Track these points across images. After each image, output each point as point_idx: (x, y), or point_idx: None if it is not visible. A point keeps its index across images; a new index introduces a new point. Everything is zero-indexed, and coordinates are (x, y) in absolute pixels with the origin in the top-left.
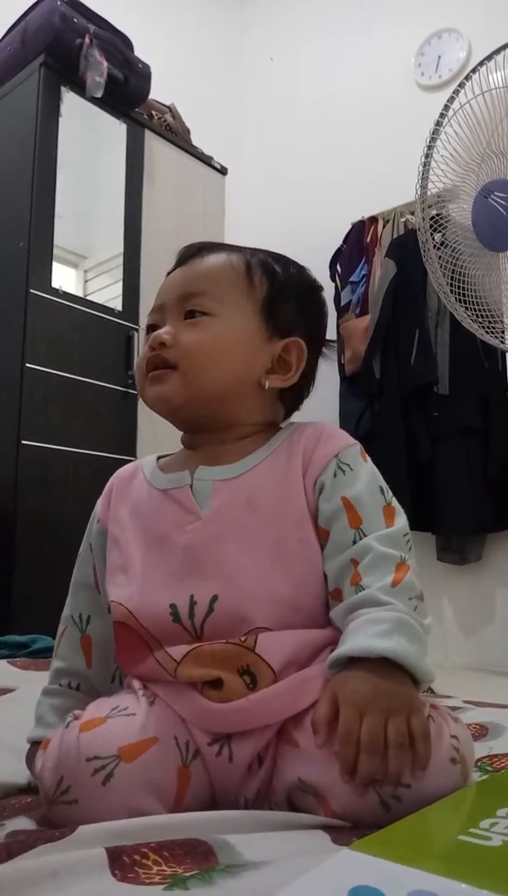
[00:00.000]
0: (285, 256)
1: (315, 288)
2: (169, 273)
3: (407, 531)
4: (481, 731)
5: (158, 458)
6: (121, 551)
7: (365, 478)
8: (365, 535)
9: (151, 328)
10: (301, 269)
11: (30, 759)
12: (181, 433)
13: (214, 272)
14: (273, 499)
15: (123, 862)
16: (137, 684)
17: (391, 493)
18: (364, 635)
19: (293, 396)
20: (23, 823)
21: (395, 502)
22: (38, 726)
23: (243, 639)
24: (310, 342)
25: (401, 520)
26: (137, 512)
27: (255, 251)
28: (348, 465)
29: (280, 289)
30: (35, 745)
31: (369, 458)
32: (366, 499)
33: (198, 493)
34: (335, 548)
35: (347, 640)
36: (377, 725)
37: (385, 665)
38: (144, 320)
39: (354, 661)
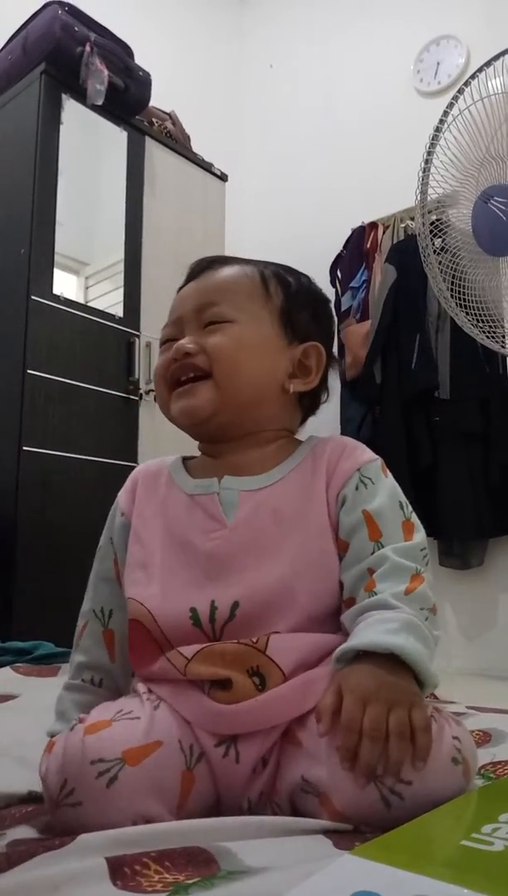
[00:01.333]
0: (294, 269)
1: (325, 299)
2: (180, 288)
3: (425, 546)
4: (484, 738)
5: (184, 459)
6: (143, 546)
7: (386, 492)
8: (384, 547)
9: (168, 342)
10: (310, 281)
11: None
12: (197, 442)
13: (229, 282)
14: (297, 510)
15: (123, 872)
16: (141, 688)
17: (410, 508)
18: (373, 631)
19: (312, 403)
20: (24, 833)
21: (415, 518)
22: (61, 721)
23: (254, 640)
24: (326, 349)
25: (419, 535)
26: (163, 511)
27: (266, 264)
28: (370, 479)
29: (295, 297)
30: None
31: (390, 474)
32: (386, 513)
33: (225, 501)
34: (353, 559)
35: (355, 636)
36: (380, 714)
37: (391, 661)
38: (145, 327)
39: (360, 656)
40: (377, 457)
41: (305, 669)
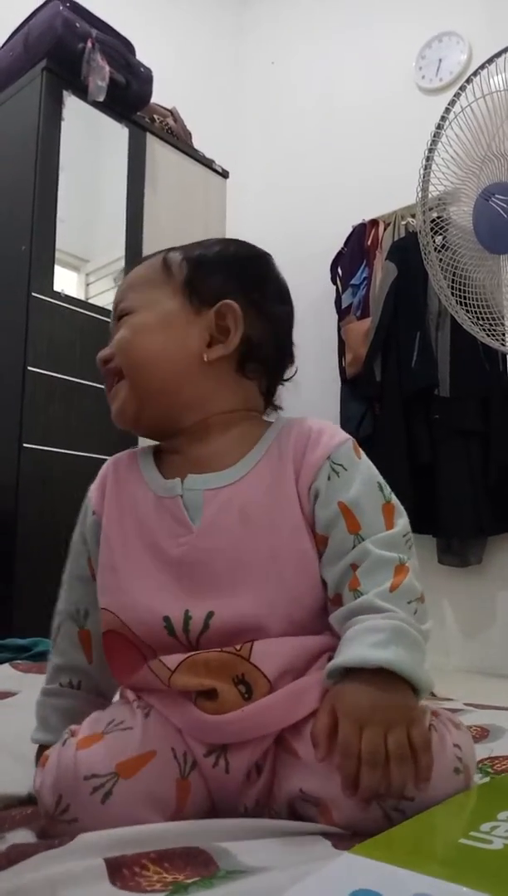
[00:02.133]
0: (220, 239)
1: (249, 255)
2: None
3: (408, 531)
4: (482, 734)
5: (157, 450)
6: (111, 549)
7: (361, 478)
8: (364, 540)
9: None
10: (235, 244)
11: (38, 760)
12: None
13: (133, 277)
14: (266, 509)
15: (122, 873)
16: (131, 695)
17: (389, 489)
18: (361, 645)
19: (259, 369)
20: (24, 836)
21: (395, 499)
22: (43, 729)
23: (237, 647)
24: (249, 304)
25: (401, 520)
26: (133, 511)
27: (185, 246)
28: (341, 465)
29: (200, 266)
30: (42, 747)
31: (363, 454)
32: (364, 501)
33: (189, 503)
34: (334, 554)
35: (343, 650)
36: (377, 738)
37: (383, 675)
38: None
39: (351, 672)
40: (346, 437)
41: (291, 675)
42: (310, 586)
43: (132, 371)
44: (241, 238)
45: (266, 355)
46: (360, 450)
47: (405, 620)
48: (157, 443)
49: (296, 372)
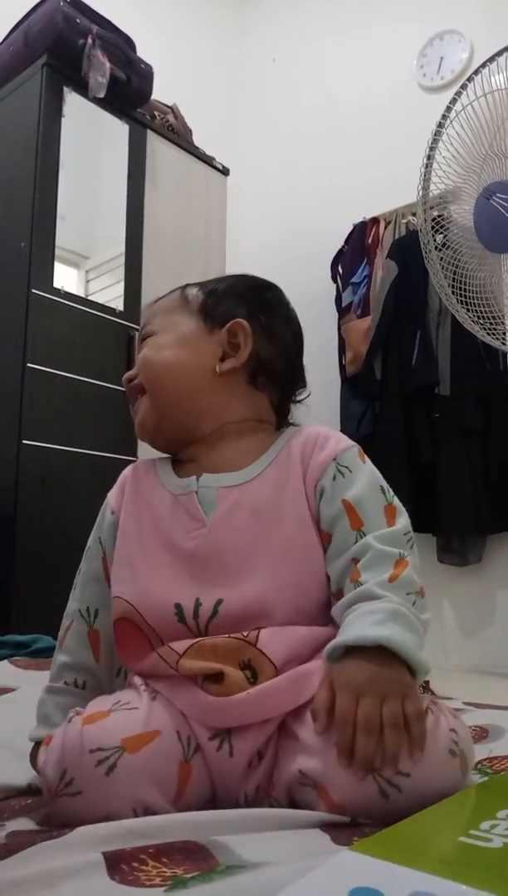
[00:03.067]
0: (239, 274)
1: (256, 284)
2: None
3: (409, 530)
4: (481, 734)
5: (174, 458)
6: (129, 544)
7: (365, 479)
8: (366, 535)
9: None
10: (252, 277)
11: (33, 758)
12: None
13: (156, 306)
14: (276, 506)
15: (120, 868)
16: (138, 681)
17: (392, 492)
18: (359, 625)
19: (270, 382)
20: (23, 825)
21: (397, 501)
22: (43, 725)
23: (245, 633)
24: (256, 324)
25: (403, 519)
26: (149, 510)
27: (202, 282)
28: (346, 467)
29: (214, 293)
30: (38, 744)
31: (367, 459)
32: (367, 500)
33: (203, 499)
34: (337, 550)
35: (343, 631)
36: (373, 707)
37: (381, 653)
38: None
39: (350, 651)
40: (352, 443)
41: (297, 663)
42: (316, 578)
43: (152, 384)
44: (240, 238)
45: (275, 370)
46: (365, 456)
47: (402, 604)
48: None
49: (309, 395)
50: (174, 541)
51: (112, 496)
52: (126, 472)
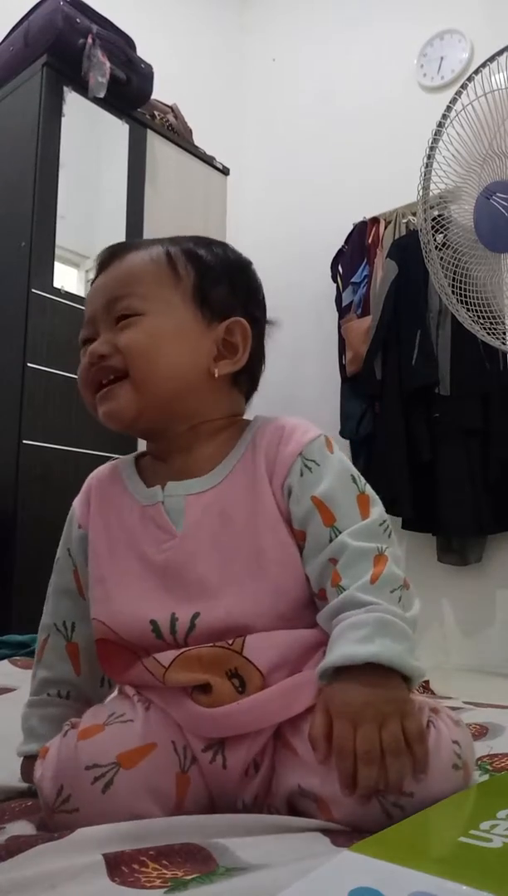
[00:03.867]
0: (206, 238)
1: (244, 264)
2: (92, 282)
3: (384, 519)
4: (481, 732)
5: (137, 457)
6: (99, 562)
7: (333, 471)
8: (340, 532)
9: (86, 342)
10: (225, 247)
11: (26, 772)
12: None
13: (135, 271)
14: (246, 509)
15: (121, 870)
16: (130, 690)
17: (364, 480)
18: (346, 642)
19: (247, 379)
20: (23, 828)
21: (369, 489)
22: (29, 739)
23: (230, 642)
24: (250, 320)
25: (377, 509)
26: (119, 522)
27: (175, 240)
28: (313, 461)
29: (207, 273)
30: (28, 758)
31: (336, 448)
32: (337, 493)
33: (171, 509)
34: (312, 548)
35: (332, 649)
36: (372, 735)
37: (373, 669)
38: None
39: (341, 670)
40: (318, 433)
41: (285, 668)
42: (294, 579)
43: (146, 378)
44: (242, 236)
45: (258, 368)
46: (333, 444)
47: (387, 611)
48: (137, 453)
49: (260, 373)
50: (145, 553)
51: (78, 508)
52: (90, 480)
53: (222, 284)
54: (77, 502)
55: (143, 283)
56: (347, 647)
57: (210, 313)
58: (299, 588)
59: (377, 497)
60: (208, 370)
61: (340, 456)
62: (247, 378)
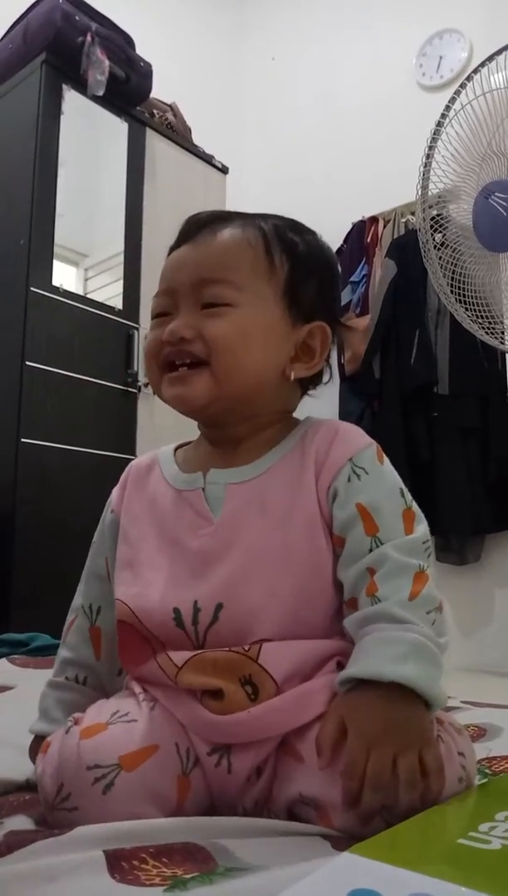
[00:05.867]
0: (298, 223)
1: (333, 262)
2: (173, 248)
3: (427, 538)
4: (479, 733)
5: (176, 448)
6: (130, 546)
7: (382, 482)
8: (382, 543)
9: (160, 315)
10: (315, 236)
11: (33, 751)
12: (196, 424)
13: (231, 254)
14: (284, 503)
15: (121, 867)
16: (137, 688)
17: (411, 497)
18: (378, 657)
19: (311, 381)
20: (22, 822)
21: (416, 507)
22: (43, 719)
23: (246, 648)
24: (331, 324)
25: (422, 527)
26: (152, 508)
27: (267, 218)
28: (363, 468)
29: (301, 267)
30: (38, 738)
31: (387, 460)
32: (383, 504)
33: (211, 496)
34: (350, 556)
35: (359, 659)
36: (385, 761)
37: (398, 690)
38: (144, 319)
39: (365, 682)
40: (371, 442)
41: (299, 679)
42: (321, 588)
43: (228, 372)
44: None
45: (322, 369)
46: (384, 455)
47: (424, 634)
48: (176, 445)
49: (331, 378)
50: (179, 539)
51: (114, 495)
52: (129, 468)
53: (312, 282)
54: (115, 489)
55: (239, 271)
56: (378, 661)
57: (297, 313)
58: (324, 599)
59: (422, 515)
60: (284, 371)
61: (390, 468)
62: (311, 379)
